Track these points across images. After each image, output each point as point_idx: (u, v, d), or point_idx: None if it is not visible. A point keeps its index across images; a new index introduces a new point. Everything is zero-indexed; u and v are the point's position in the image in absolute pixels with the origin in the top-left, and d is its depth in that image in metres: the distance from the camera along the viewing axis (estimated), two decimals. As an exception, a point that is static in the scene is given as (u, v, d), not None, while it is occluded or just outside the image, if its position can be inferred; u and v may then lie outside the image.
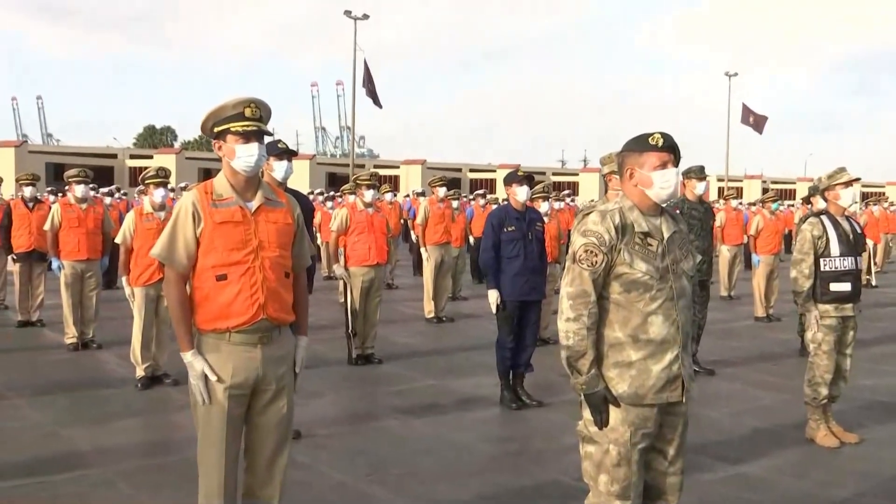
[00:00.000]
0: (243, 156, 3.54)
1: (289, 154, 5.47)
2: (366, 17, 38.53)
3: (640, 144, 3.33)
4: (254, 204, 3.59)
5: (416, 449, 5.79)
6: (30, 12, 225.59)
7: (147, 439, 6.10)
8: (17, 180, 11.45)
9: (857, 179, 5.98)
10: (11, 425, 6.24)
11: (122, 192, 21.47)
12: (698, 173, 8.08)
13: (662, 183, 3.27)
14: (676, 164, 3.33)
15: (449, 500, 4.83)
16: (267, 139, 3.79)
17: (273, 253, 3.57)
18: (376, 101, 34.07)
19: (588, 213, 3.32)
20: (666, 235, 3.30)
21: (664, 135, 3.31)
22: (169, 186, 7.89)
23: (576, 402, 3.40)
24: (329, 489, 4.97)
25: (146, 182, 7.65)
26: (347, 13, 38.15)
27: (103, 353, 8.92)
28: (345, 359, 8.48)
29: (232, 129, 3.54)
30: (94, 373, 8.12)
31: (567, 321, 3.21)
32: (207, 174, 48.95)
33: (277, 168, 5.40)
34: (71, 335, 9.06)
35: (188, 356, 3.51)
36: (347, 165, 45.93)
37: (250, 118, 3.55)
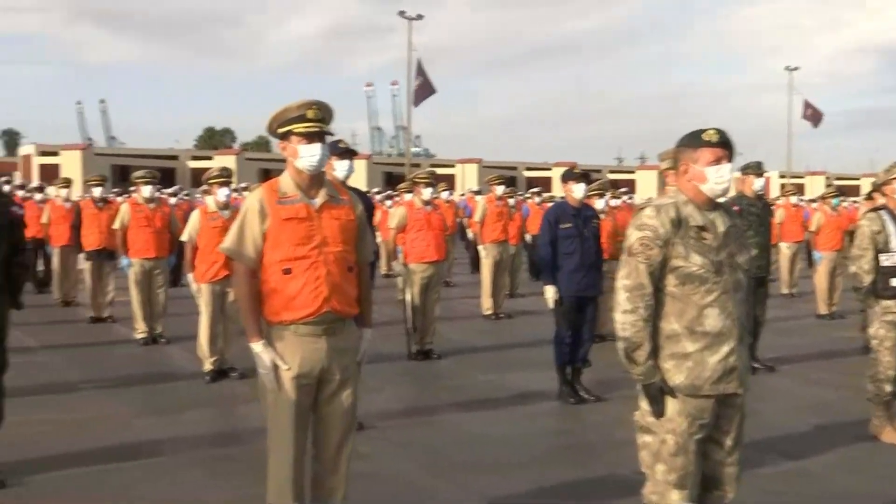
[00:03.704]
0: (306, 155, 3.69)
1: (349, 154, 5.59)
2: (420, 17, 38.74)
3: (694, 140, 3.38)
4: (318, 201, 3.73)
5: (473, 442, 5.89)
6: (90, 19, 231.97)
7: (216, 430, 6.31)
8: (85, 181, 11.83)
9: None
10: (89, 415, 6.49)
11: (184, 192, 21.94)
12: (756, 169, 8.05)
13: (717, 178, 3.32)
14: (730, 159, 3.38)
15: (505, 492, 4.91)
16: (329, 139, 3.92)
17: (336, 248, 3.71)
18: (418, 101, 34.21)
19: (643, 208, 3.39)
20: (721, 229, 3.34)
21: (718, 130, 3.36)
22: (232, 186, 8.11)
23: (634, 397, 3.46)
24: (390, 480, 5.09)
25: (210, 182, 7.89)
26: (402, 13, 38.42)
27: (171, 348, 9.20)
28: (404, 354, 8.62)
29: (295, 131, 3.70)
30: (163, 367, 8.40)
31: (624, 313, 3.28)
32: (266, 174, 49.51)
33: (339, 167, 5.51)
34: (141, 330, 9.36)
35: (258, 347, 3.66)
36: (403, 165, 46.19)
37: (313, 119, 3.70)
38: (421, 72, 34.35)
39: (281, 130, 3.74)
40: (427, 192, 8.71)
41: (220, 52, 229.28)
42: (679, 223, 3.28)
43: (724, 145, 3.35)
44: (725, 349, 3.27)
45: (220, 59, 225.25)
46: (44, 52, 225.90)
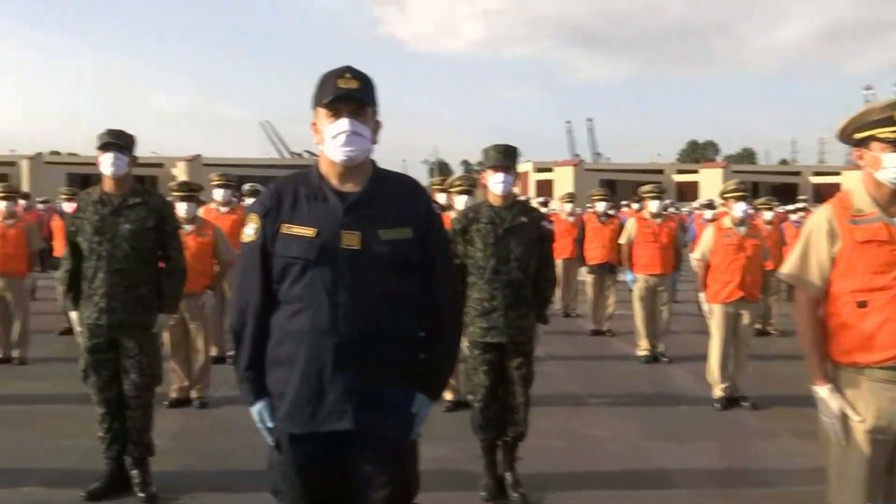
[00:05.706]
0: (891, 166, 3.06)
1: None
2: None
3: None
4: (901, 220, 3.09)
5: None
6: (578, 43, 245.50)
7: (729, 464, 5.82)
8: (590, 196, 11.94)
9: None
10: (597, 434, 6.43)
11: (673, 206, 21.80)
12: None
13: None
14: None
15: None
16: None
17: (929, 279, 3.04)
18: None
19: None
20: None
21: None
22: (749, 201, 7.60)
23: None
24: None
25: (726, 196, 7.47)
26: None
27: (674, 368, 8.92)
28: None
29: (878, 136, 3.09)
30: (666, 387, 8.14)
31: None
32: (754, 188, 47.91)
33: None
34: (643, 347, 9.21)
35: (823, 391, 3.13)
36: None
37: None
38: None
39: (859, 136, 3.15)
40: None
41: (702, 63, 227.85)
42: None
43: None
44: None
45: (703, 69, 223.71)
46: (539, 76, 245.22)
